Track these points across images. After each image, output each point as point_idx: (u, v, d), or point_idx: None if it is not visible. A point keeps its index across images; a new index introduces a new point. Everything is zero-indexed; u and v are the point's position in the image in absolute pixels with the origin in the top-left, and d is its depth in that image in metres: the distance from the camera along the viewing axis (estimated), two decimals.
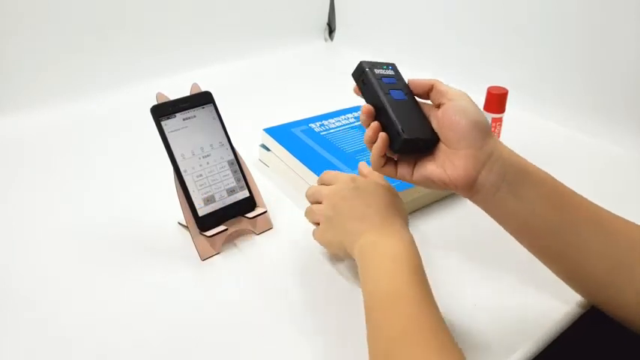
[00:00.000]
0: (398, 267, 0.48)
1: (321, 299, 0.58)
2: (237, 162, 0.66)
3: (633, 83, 0.87)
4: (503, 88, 0.78)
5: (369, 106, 0.54)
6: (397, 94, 0.54)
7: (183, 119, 0.63)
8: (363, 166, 0.66)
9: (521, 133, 0.82)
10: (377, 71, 0.55)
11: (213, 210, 0.63)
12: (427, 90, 0.54)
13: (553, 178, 0.51)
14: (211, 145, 0.65)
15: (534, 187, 0.49)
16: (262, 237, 0.67)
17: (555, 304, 0.56)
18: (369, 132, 0.53)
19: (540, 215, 0.49)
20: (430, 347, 0.42)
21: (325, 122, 0.85)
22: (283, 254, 0.64)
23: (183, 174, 0.61)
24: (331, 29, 1.45)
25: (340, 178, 0.60)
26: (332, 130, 0.82)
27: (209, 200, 0.63)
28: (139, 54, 1.10)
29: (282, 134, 0.80)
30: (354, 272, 0.62)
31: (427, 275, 0.50)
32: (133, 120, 0.88)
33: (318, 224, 0.60)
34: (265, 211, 0.67)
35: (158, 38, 1.12)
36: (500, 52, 1.05)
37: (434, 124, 0.53)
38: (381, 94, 0.53)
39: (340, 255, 0.61)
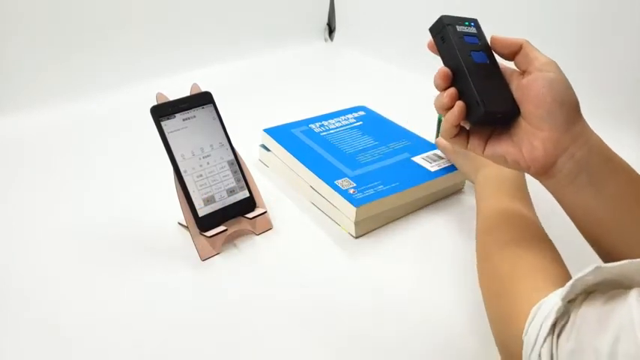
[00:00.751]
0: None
1: (321, 299, 0.58)
2: (237, 162, 0.66)
3: (633, 84, 0.87)
4: None
5: (447, 70, 0.48)
6: (479, 57, 0.48)
7: (183, 119, 0.63)
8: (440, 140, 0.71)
9: None
10: (459, 28, 0.50)
11: (213, 210, 0.63)
12: (514, 51, 0.47)
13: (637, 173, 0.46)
14: (211, 146, 0.65)
15: (616, 182, 0.44)
16: (262, 237, 0.67)
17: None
18: (445, 99, 0.47)
19: (619, 211, 0.45)
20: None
21: (325, 123, 0.85)
22: (283, 255, 0.64)
23: (183, 174, 0.61)
24: (331, 29, 1.45)
25: None
26: (332, 131, 0.82)
27: (209, 200, 0.63)
28: (139, 54, 1.10)
29: (282, 135, 0.80)
30: (354, 272, 0.62)
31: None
32: (133, 120, 0.87)
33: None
34: (265, 212, 0.67)
35: (158, 38, 1.12)
36: None
37: (516, 95, 0.46)
38: (461, 56, 0.47)
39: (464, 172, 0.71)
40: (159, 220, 0.68)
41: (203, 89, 0.65)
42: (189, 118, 0.63)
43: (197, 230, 0.62)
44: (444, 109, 0.48)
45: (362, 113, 0.89)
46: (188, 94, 0.64)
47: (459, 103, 0.47)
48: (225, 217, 0.65)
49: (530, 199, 0.58)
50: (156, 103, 0.61)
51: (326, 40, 1.43)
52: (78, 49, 1.01)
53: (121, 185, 0.77)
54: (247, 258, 0.64)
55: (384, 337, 0.53)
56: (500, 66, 0.49)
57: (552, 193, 0.47)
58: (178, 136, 0.62)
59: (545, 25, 0.96)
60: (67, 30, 0.99)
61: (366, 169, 0.72)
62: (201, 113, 0.64)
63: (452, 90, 0.47)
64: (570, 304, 0.36)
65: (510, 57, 0.48)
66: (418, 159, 0.75)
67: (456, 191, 0.77)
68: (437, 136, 0.82)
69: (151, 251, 0.63)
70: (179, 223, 0.67)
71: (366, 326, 0.54)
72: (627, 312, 0.32)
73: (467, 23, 0.50)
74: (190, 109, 0.63)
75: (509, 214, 0.54)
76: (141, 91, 0.92)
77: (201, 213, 0.62)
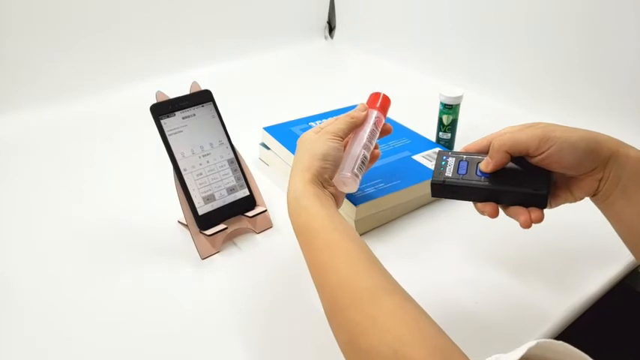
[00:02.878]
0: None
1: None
2: (237, 160, 0.66)
3: (633, 83, 0.86)
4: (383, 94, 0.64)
5: (493, 205, 0.50)
6: (481, 171, 0.50)
7: (183, 118, 0.62)
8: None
9: None
10: (448, 173, 0.51)
11: (213, 209, 0.63)
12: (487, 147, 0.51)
13: None
14: (211, 144, 0.64)
15: None
16: (262, 236, 0.67)
17: (556, 300, 0.56)
18: (524, 217, 0.48)
19: None
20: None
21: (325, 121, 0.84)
22: (283, 253, 0.64)
23: (183, 173, 0.61)
24: (331, 27, 1.44)
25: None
26: None
27: (209, 199, 0.63)
28: (138, 53, 1.09)
29: (282, 133, 0.80)
30: None
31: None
32: (133, 119, 0.87)
33: None
34: (265, 210, 0.67)
35: (158, 37, 1.12)
36: (500, 51, 1.05)
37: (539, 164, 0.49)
38: (480, 184, 0.50)
39: None
40: (159, 219, 0.68)
41: (203, 87, 0.65)
42: (189, 117, 0.63)
43: (197, 229, 0.62)
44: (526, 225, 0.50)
45: None
46: (188, 92, 0.64)
47: (535, 217, 0.48)
48: (225, 216, 0.64)
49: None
50: (156, 102, 0.61)
51: (326, 38, 1.43)
52: (77, 48, 1.01)
53: (121, 183, 0.77)
54: (247, 256, 0.63)
55: None
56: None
57: (597, 206, 0.50)
58: (178, 134, 0.62)
59: (545, 25, 0.96)
60: (67, 29, 0.99)
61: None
62: (201, 111, 0.64)
63: (521, 209, 0.49)
64: None
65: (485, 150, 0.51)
66: (419, 157, 0.75)
67: None
68: (437, 134, 0.82)
69: (150, 250, 0.63)
70: (179, 222, 0.67)
71: None
72: None
73: (442, 162, 0.52)
74: (190, 107, 0.63)
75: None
76: (141, 89, 0.92)
77: (201, 211, 0.62)
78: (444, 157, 0.53)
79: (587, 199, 0.50)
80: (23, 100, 0.96)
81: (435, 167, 0.52)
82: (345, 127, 0.58)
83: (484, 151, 0.51)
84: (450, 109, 0.80)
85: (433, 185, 0.51)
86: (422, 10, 1.17)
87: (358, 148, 0.58)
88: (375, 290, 0.42)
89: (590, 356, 0.34)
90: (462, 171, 0.51)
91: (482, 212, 0.51)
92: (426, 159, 0.74)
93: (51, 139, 0.89)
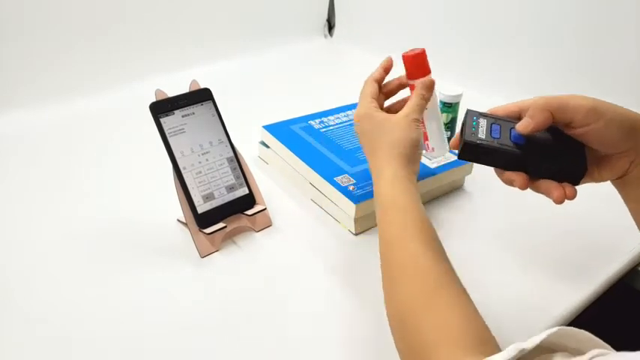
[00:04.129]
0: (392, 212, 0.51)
1: (320, 296, 0.58)
2: (236, 159, 0.66)
3: (633, 83, 0.86)
4: (419, 49, 0.66)
5: (523, 176, 0.47)
6: (517, 136, 0.47)
7: (182, 116, 0.62)
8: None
9: None
10: (481, 135, 0.48)
11: (213, 207, 0.63)
12: (520, 114, 0.49)
13: None
14: (210, 142, 0.64)
15: None
16: (262, 234, 0.67)
17: (555, 298, 0.56)
18: (558, 192, 0.46)
19: None
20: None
21: (325, 119, 0.85)
22: (282, 251, 0.64)
23: (182, 171, 0.61)
24: (331, 26, 1.44)
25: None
26: (331, 127, 0.82)
27: (208, 197, 0.63)
28: (138, 51, 1.09)
29: (282, 131, 0.80)
30: (354, 270, 0.62)
31: None
32: (132, 117, 0.87)
33: None
34: (264, 209, 0.67)
35: (157, 36, 1.12)
36: (500, 50, 1.05)
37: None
38: (514, 150, 0.47)
39: None
40: (158, 217, 0.68)
41: (202, 86, 0.65)
42: (188, 115, 0.63)
43: (196, 227, 0.62)
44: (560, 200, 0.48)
45: None
46: (187, 90, 0.64)
47: (570, 192, 0.47)
48: (225, 214, 0.64)
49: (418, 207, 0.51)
50: (155, 100, 0.61)
51: (326, 36, 1.43)
52: (77, 47, 1.01)
53: (120, 182, 0.77)
54: (247, 255, 0.63)
55: (384, 335, 0.53)
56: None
57: (620, 193, 0.49)
58: (177, 132, 0.62)
59: (545, 24, 0.96)
60: (66, 28, 0.99)
61: (366, 166, 0.72)
62: (200, 110, 0.64)
63: (555, 186, 0.47)
64: None
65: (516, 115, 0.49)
66: None
67: (456, 188, 0.76)
68: None
69: (150, 248, 0.63)
70: (178, 220, 0.67)
71: (366, 324, 0.54)
72: None
73: (474, 122, 0.49)
74: (189, 105, 0.63)
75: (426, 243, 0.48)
76: (140, 88, 0.92)
77: (200, 210, 0.62)
78: (474, 118, 0.49)
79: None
80: (23, 100, 0.96)
81: (465, 127, 0.49)
82: (421, 110, 0.59)
83: (513, 117, 0.48)
84: (449, 107, 0.80)
85: (466, 145, 0.48)
86: (422, 9, 1.17)
87: (439, 123, 0.63)
88: (440, 277, 0.44)
89: None
90: (496, 134, 0.48)
91: (509, 182, 0.48)
92: (426, 157, 0.74)
93: (50, 139, 0.89)
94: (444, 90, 0.79)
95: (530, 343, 0.34)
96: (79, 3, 0.98)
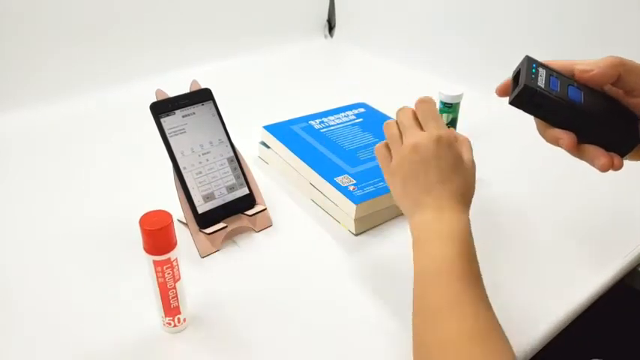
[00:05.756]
0: (449, 243, 0.47)
1: (321, 296, 0.58)
2: (236, 159, 0.66)
3: None
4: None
5: (573, 136, 0.45)
6: (574, 93, 0.45)
7: (183, 116, 0.62)
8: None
9: (522, 132, 0.81)
10: (540, 84, 0.45)
11: (213, 207, 0.63)
12: (610, 80, 0.45)
13: None
14: (211, 143, 0.64)
15: None
16: (262, 234, 0.67)
17: (555, 299, 0.56)
18: (605, 160, 0.44)
19: None
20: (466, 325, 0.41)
21: (325, 119, 0.85)
22: (283, 251, 0.64)
23: (182, 171, 0.61)
24: (331, 26, 1.44)
25: (423, 132, 0.53)
26: (332, 128, 0.82)
27: (208, 197, 0.63)
28: (138, 51, 1.09)
29: (282, 131, 0.80)
30: (354, 270, 0.62)
31: None
32: (133, 117, 0.87)
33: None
34: (265, 209, 0.67)
35: (157, 35, 1.12)
36: (500, 50, 1.05)
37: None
38: (572, 106, 0.44)
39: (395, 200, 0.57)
40: None
41: (203, 86, 0.65)
42: (188, 115, 0.63)
43: (197, 227, 0.62)
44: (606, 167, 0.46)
45: (362, 110, 0.88)
46: (188, 91, 0.64)
47: (616, 163, 0.45)
48: (225, 214, 0.64)
49: (474, 250, 0.49)
50: (155, 100, 0.61)
51: (326, 36, 1.43)
52: (77, 46, 1.01)
53: (120, 182, 0.77)
54: (247, 255, 0.63)
55: (384, 334, 0.53)
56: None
57: None
58: (178, 132, 0.62)
59: (545, 24, 0.96)
60: (66, 28, 0.99)
61: (367, 166, 0.72)
62: (200, 110, 0.64)
63: (604, 154, 0.45)
64: None
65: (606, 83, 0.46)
66: None
67: None
68: None
69: None
70: (178, 220, 0.67)
71: (366, 323, 0.54)
72: None
73: (534, 71, 0.46)
74: (190, 105, 0.63)
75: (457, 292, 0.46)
76: (140, 88, 0.92)
77: (200, 210, 0.62)
78: (534, 65, 0.46)
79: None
80: (23, 100, 0.96)
81: (524, 71, 0.46)
82: None
83: (568, 74, 0.46)
84: (449, 107, 0.80)
85: (525, 89, 0.44)
86: (422, 9, 1.17)
87: None
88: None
89: (590, 355, 0.34)
90: (554, 87, 0.45)
91: (555, 140, 0.46)
92: None
93: (50, 138, 0.89)
94: (444, 90, 0.79)
95: None
96: (79, 3, 0.98)
